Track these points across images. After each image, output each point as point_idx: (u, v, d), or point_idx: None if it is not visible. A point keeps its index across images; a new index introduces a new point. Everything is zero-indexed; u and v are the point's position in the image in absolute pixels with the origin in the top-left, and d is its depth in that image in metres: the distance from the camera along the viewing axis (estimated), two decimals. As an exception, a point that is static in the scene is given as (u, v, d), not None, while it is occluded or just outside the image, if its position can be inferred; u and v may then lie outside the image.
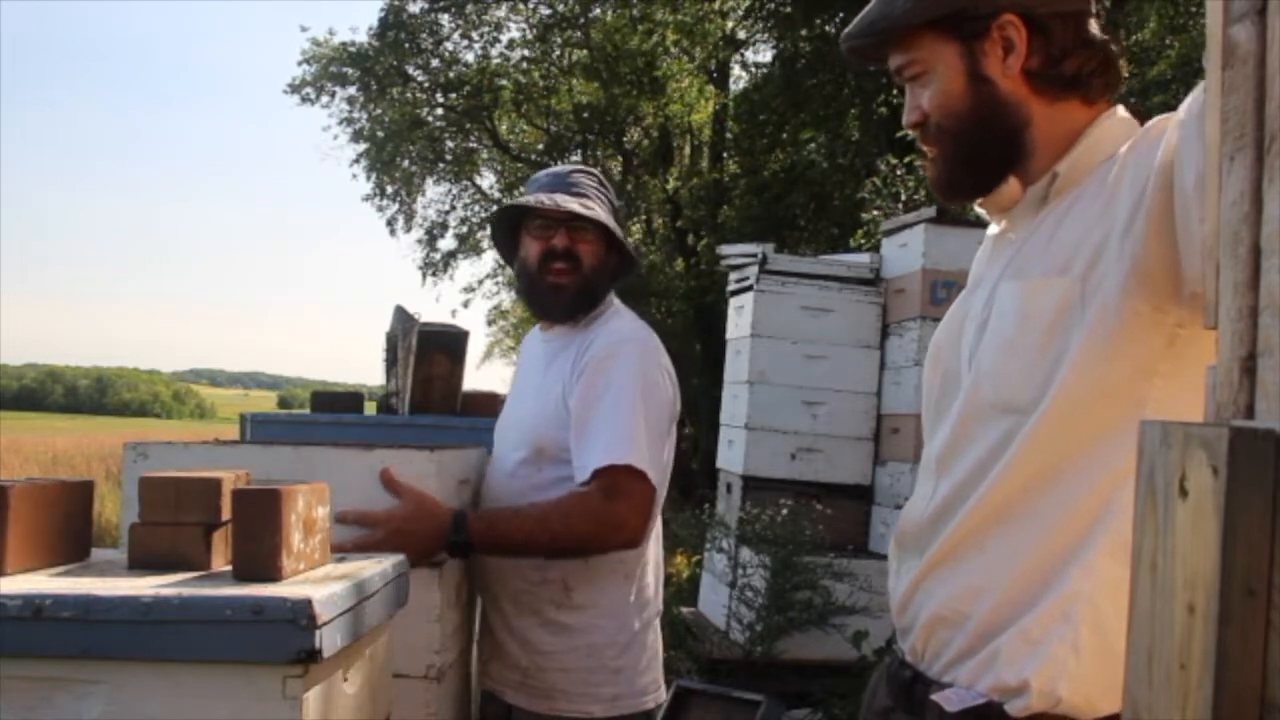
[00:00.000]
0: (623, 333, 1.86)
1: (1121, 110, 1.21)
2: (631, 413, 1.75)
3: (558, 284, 1.87)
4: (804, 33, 10.41)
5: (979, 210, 1.29)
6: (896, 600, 1.25)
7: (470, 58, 15.95)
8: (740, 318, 4.93)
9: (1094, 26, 1.18)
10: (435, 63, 16.07)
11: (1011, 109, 1.18)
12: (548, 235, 1.87)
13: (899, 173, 6.26)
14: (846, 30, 1.27)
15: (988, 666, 1.11)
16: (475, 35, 15.73)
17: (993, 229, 1.31)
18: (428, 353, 2.87)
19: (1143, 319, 1.05)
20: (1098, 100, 1.20)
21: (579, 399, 1.80)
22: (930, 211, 4.51)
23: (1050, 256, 1.13)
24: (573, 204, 1.85)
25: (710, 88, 14.13)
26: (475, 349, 31.80)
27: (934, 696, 1.14)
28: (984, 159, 1.21)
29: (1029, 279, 1.14)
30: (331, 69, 16.52)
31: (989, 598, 1.12)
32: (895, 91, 8.88)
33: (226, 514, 1.44)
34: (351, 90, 16.67)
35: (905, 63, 1.23)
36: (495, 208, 2.00)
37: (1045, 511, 1.10)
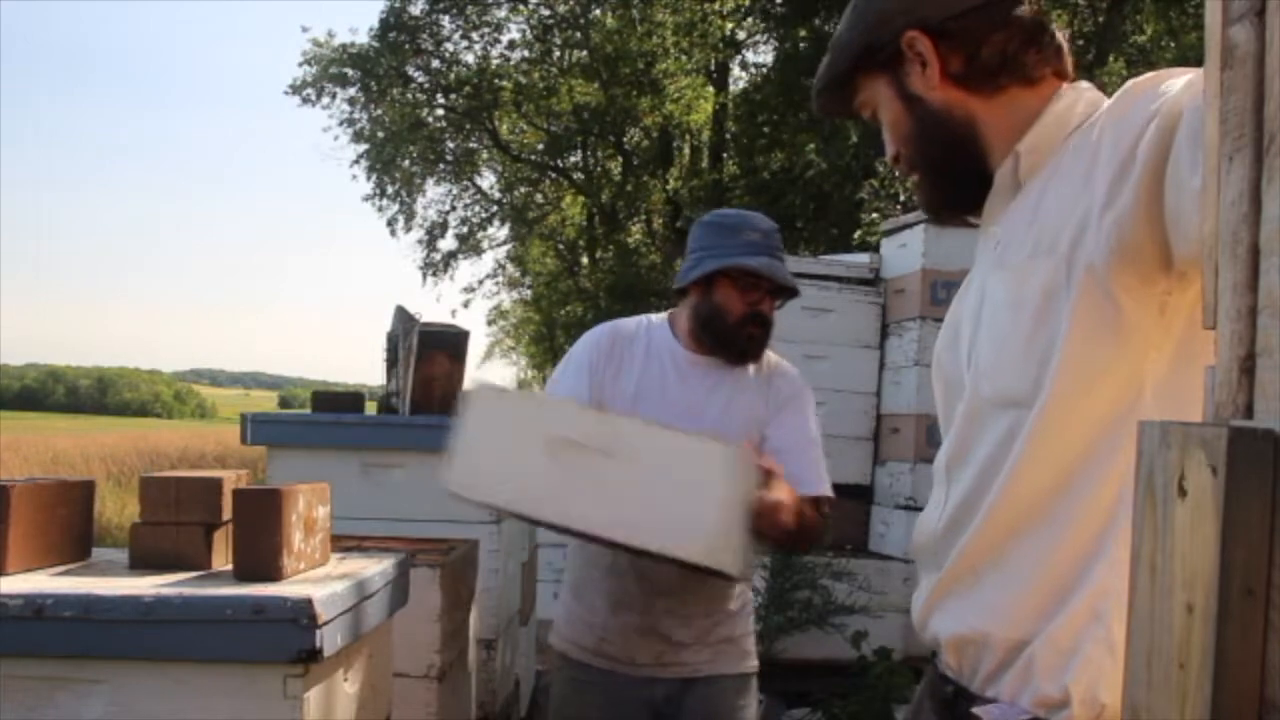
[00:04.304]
0: (797, 374, 2.13)
1: (1082, 84, 1.18)
2: (819, 446, 2.05)
3: (754, 339, 2.03)
4: (802, 33, 10.41)
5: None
6: (916, 616, 1.22)
7: (470, 59, 15.97)
8: (740, 318, 4.93)
9: (1009, 7, 1.16)
10: (436, 64, 16.09)
11: (949, 116, 1.18)
12: (755, 299, 2.01)
13: (897, 174, 6.27)
14: (811, 92, 1.33)
15: (1025, 679, 1.08)
16: (475, 36, 15.74)
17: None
18: (428, 353, 2.87)
19: (1133, 293, 1.02)
20: (1039, 78, 1.17)
21: (790, 431, 2.04)
22: (930, 212, 4.51)
23: (1033, 239, 1.11)
24: (789, 278, 2.03)
25: (709, 88, 14.14)
26: (475, 349, 31.83)
27: (975, 710, 1.10)
28: (950, 171, 1.22)
29: (1014, 266, 1.12)
30: (332, 70, 16.54)
31: (1009, 614, 1.09)
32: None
33: (227, 514, 1.44)
34: (352, 91, 16.69)
35: (859, 107, 1.28)
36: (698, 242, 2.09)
37: (1060, 514, 1.06)
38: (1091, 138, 1.08)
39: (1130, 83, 1.08)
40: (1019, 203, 1.16)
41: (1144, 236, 1.00)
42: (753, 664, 2.08)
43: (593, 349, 2.04)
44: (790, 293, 2.04)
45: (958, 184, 1.23)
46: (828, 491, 2.00)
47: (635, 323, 2.12)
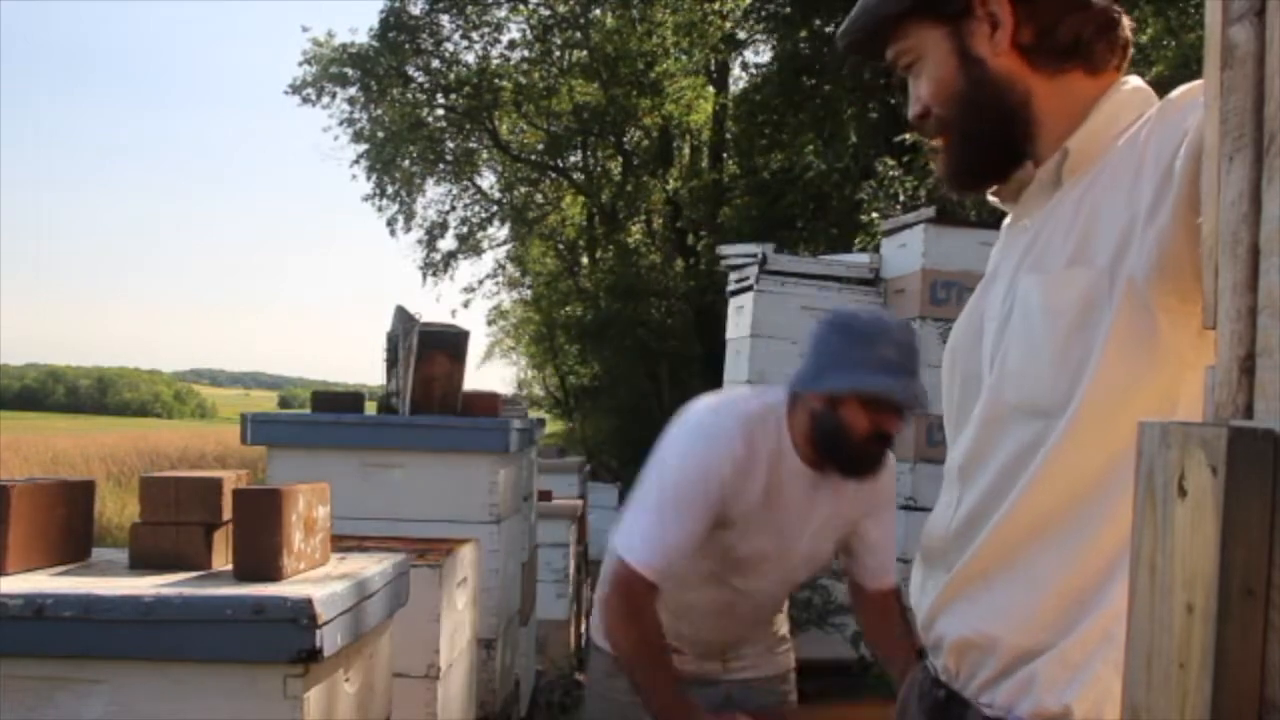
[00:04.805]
0: (892, 460, 1.99)
1: (1135, 80, 1.14)
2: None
3: (873, 458, 1.87)
4: (803, 34, 10.41)
5: (992, 200, 1.24)
6: (921, 617, 1.20)
7: (470, 58, 15.97)
8: (740, 318, 4.93)
9: None
10: (435, 63, 16.09)
11: (1006, 87, 1.12)
12: (886, 419, 1.82)
13: (896, 174, 6.26)
14: (841, 28, 1.24)
15: (1025, 690, 1.06)
16: (475, 36, 15.74)
17: (1007, 219, 1.25)
18: (428, 353, 2.87)
19: (1173, 313, 0.99)
20: (1103, 69, 1.13)
21: (885, 527, 2.04)
22: (930, 211, 4.50)
23: (1073, 245, 1.07)
24: (924, 399, 1.82)
25: (709, 88, 14.15)
26: (475, 349, 31.87)
27: (975, 709, 1.09)
28: (987, 143, 1.16)
29: (1051, 271, 1.08)
30: (332, 70, 16.54)
31: (1019, 620, 1.07)
32: (892, 94, 8.88)
33: (227, 514, 1.44)
34: (352, 91, 16.69)
35: (897, 54, 1.19)
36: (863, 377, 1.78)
37: (1080, 525, 1.04)
38: (1137, 145, 1.05)
39: (1175, 91, 1.05)
40: (1058, 202, 1.12)
41: (1184, 251, 0.96)
42: (793, 656, 2.22)
43: (721, 465, 1.83)
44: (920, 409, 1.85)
45: (987, 159, 1.18)
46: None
47: (744, 422, 1.87)
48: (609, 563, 1.89)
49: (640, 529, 1.81)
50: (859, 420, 1.81)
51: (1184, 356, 1.00)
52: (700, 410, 1.91)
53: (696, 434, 1.86)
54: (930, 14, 1.15)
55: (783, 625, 2.20)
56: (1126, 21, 1.15)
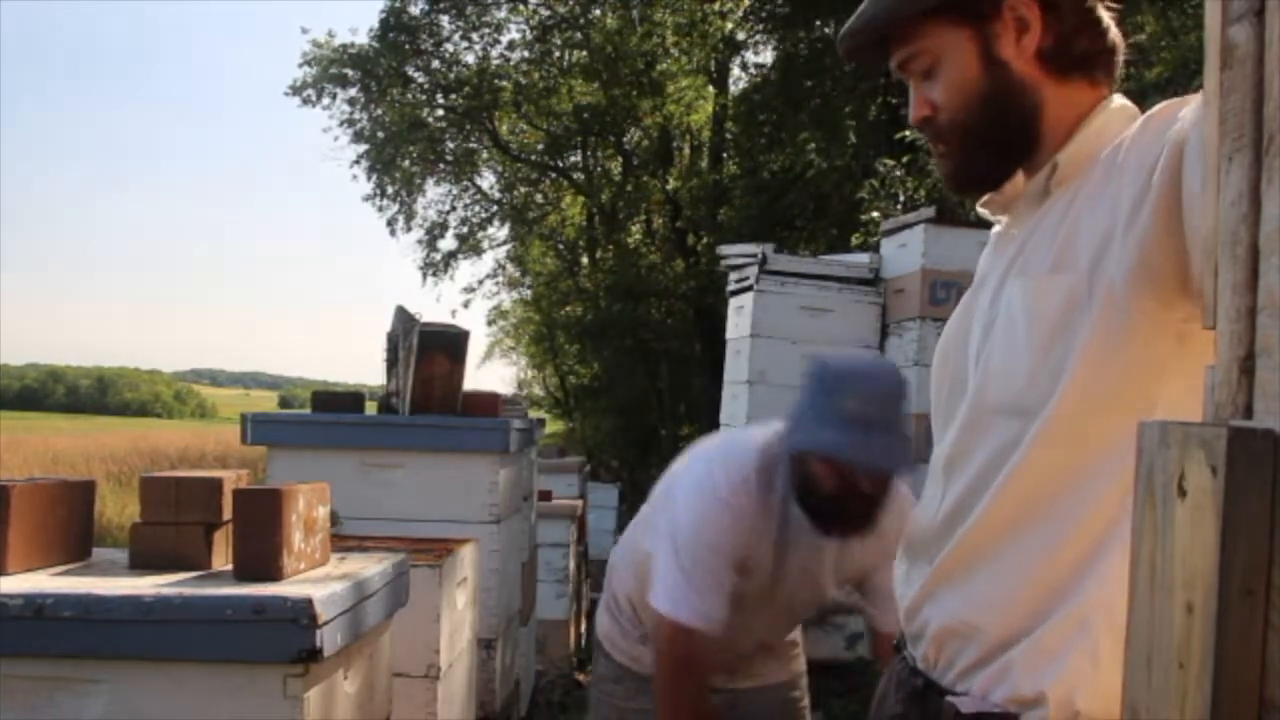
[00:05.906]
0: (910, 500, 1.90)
1: (1119, 98, 1.17)
2: None
3: (859, 516, 1.76)
4: (802, 34, 10.42)
5: (982, 212, 1.26)
6: (905, 607, 1.22)
7: (470, 59, 15.96)
8: (740, 318, 4.94)
9: (1099, 4, 1.15)
10: (435, 64, 16.09)
11: (1027, 92, 1.14)
12: (854, 477, 1.70)
13: (897, 173, 6.26)
14: (843, 30, 1.22)
15: (1001, 678, 1.09)
16: (475, 36, 15.74)
17: (996, 227, 1.27)
18: (428, 352, 2.87)
19: (1151, 317, 1.01)
20: (1102, 83, 1.16)
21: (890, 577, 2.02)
22: (929, 212, 4.51)
23: (1056, 252, 1.10)
24: (892, 458, 1.68)
25: (709, 88, 14.14)
26: (475, 349, 31.85)
27: (949, 700, 1.12)
28: (999, 146, 1.16)
29: (1035, 277, 1.11)
30: (332, 71, 16.54)
31: (1000, 609, 1.09)
32: (891, 94, 8.88)
33: (227, 514, 1.44)
34: (352, 92, 16.69)
35: (910, 55, 1.18)
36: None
37: (1057, 518, 1.06)
38: (1119, 157, 1.07)
39: (1157, 107, 1.08)
40: (1045, 211, 1.14)
41: (1163, 258, 0.98)
42: (804, 660, 2.22)
43: (734, 532, 1.79)
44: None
45: (996, 162, 1.18)
46: None
47: (751, 482, 1.80)
48: (652, 622, 1.82)
49: (678, 591, 1.76)
50: (826, 478, 1.72)
51: (1164, 364, 1.03)
52: (709, 465, 1.83)
53: (709, 500, 1.79)
54: (955, 14, 1.14)
55: (794, 631, 2.20)
56: (1121, 44, 1.17)
